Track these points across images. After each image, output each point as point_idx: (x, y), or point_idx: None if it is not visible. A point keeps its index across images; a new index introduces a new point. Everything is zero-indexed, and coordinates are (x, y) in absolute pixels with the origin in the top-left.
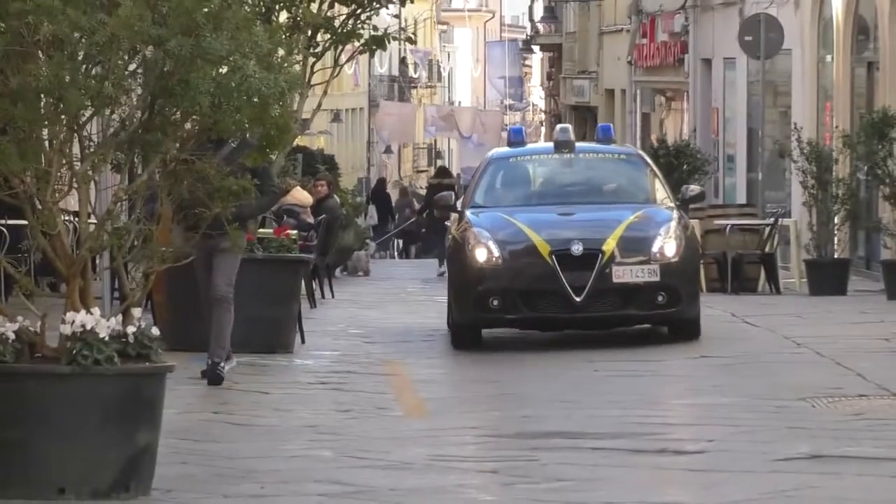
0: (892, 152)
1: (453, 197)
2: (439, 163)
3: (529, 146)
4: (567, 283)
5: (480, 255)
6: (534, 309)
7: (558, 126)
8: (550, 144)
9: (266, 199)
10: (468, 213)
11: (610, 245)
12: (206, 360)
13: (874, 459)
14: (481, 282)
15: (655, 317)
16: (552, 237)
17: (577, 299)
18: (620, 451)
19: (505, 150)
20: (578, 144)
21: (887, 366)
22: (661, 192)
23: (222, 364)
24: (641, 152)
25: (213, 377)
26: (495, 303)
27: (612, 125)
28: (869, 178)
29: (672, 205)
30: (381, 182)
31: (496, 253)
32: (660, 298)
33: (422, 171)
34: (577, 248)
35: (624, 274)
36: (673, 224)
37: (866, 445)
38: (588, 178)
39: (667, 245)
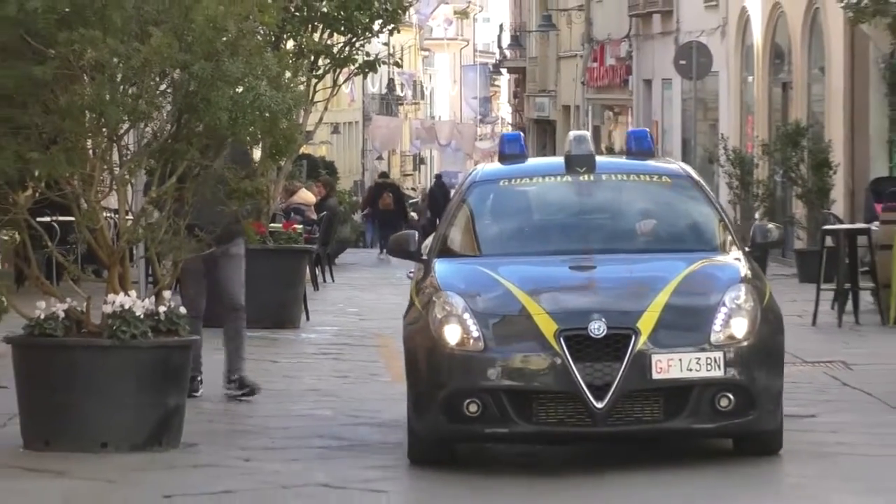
0: (803, 158)
1: (414, 237)
2: (381, 170)
3: (530, 162)
4: (582, 381)
5: (451, 334)
6: (531, 420)
7: (572, 133)
8: (560, 161)
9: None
10: (436, 264)
11: (648, 321)
12: (231, 378)
13: (786, 416)
14: (452, 377)
15: (718, 430)
16: (560, 308)
17: (598, 406)
18: None
19: (494, 168)
20: (601, 160)
21: (800, 338)
22: (721, 232)
23: (244, 373)
24: (691, 170)
25: (251, 388)
26: (472, 409)
27: (648, 131)
28: (784, 180)
29: (739, 253)
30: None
31: (474, 332)
32: (724, 402)
33: (408, 175)
34: (597, 327)
35: (669, 366)
36: (743, 287)
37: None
38: (615, 212)
39: (735, 320)
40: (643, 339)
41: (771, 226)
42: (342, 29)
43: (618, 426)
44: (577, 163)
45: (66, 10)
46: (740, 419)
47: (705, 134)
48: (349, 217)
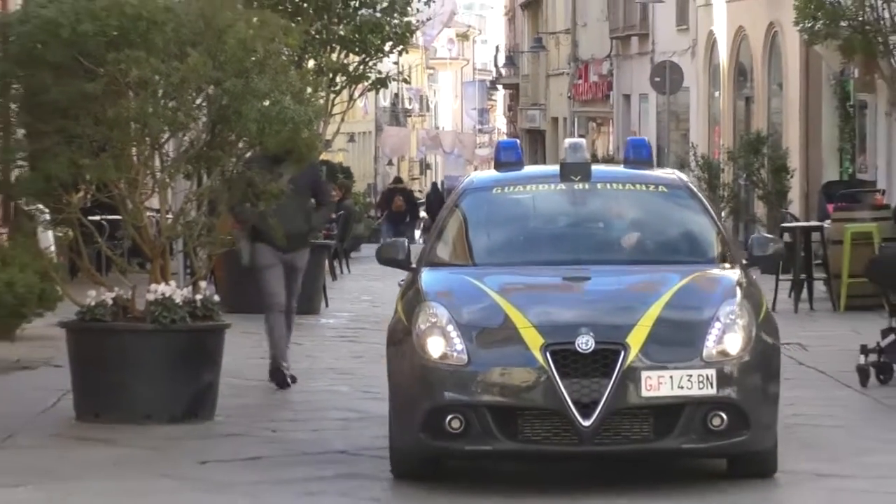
0: (763, 164)
1: (404, 245)
2: (393, 174)
3: (527, 170)
4: (568, 398)
5: (434, 347)
6: (516, 437)
7: (568, 141)
8: (555, 169)
9: (326, 209)
10: (423, 273)
11: (638, 336)
12: (277, 366)
13: None
14: (434, 391)
15: (710, 450)
16: (546, 321)
17: (585, 424)
18: None
19: (487, 175)
20: (597, 169)
21: None
22: (718, 244)
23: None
24: (687, 179)
25: (286, 381)
26: (455, 424)
27: (647, 139)
28: (747, 183)
29: (735, 266)
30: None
31: (457, 345)
32: (716, 422)
33: (415, 178)
34: (585, 342)
35: (660, 383)
36: (738, 300)
37: None
38: (609, 222)
39: (729, 336)
40: (633, 354)
41: (770, 238)
42: (357, 50)
43: (605, 445)
44: (573, 171)
45: (114, 33)
46: (733, 439)
47: (677, 143)
48: (363, 216)
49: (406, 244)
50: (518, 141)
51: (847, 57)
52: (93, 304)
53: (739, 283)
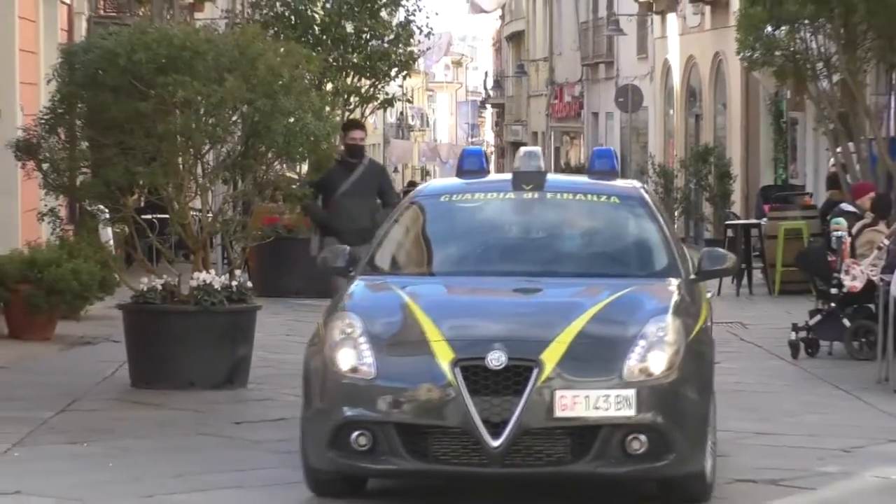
0: (710, 171)
1: (345, 252)
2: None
3: (485, 179)
4: (478, 417)
5: (344, 359)
6: (424, 456)
7: (522, 149)
8: (508, 177)
9: (390, 209)
10: (354, 282)
11: (554, 353)
12: None
13: None
14: (341, 406)
15: (628, 474)
16: (460, 335)
17: (494, 444)
18: None
19: (440, 184)
20: (551, 178)
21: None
22: (665, 257)
23: None
24: (644, 191)
25: None
26: (362, 441)
27: (613, 150)
28: (696, 187)
29: (678, 280)
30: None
31: (367, 358)
32: (635, 445)
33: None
34: (495, 358)
35: (574, 403)
36: (668, 317)
37: None
38: (553, 233)
39: (653, 354)
40: (546, 372)
41: (724, 253)
42: (368, 75)
43: (516, 467)
44: (525, 180)
45: (163, 61)
46: (654, 463)
47: (638, 153)
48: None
49: (347, 251)
50: (483, 149)
51: (780, 81)
52: (145, 289)
53: (677, 298)
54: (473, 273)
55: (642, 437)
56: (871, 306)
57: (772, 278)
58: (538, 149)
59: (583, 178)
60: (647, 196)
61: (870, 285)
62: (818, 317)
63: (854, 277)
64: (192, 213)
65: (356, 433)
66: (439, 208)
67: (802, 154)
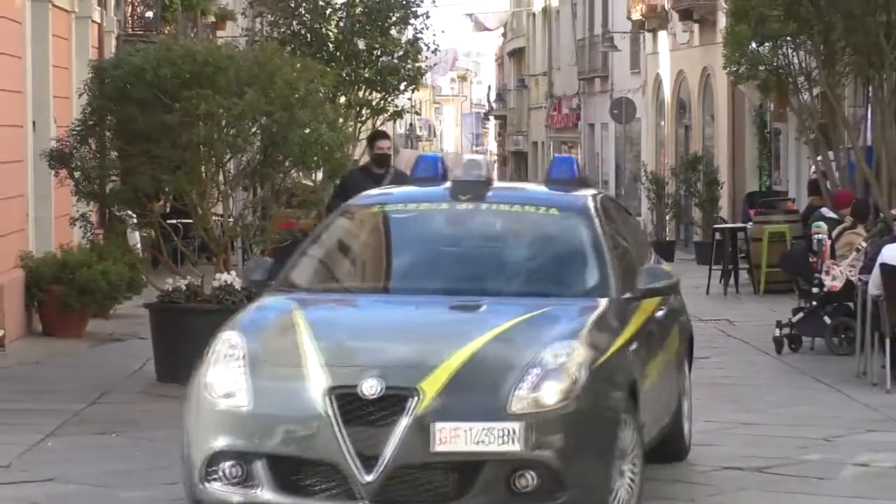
0: (699, 178)
1: (266, 264)
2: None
3: (425, 189)
4: (351, 450)
5: (221, 383)
6: (295, 491)
7: (466, 157)
8: (445, 187)
9: None
10: (263, 297)
11: (436, 381)
12: None
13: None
14: (214, 434)
15: None
16: (340, 361)
17: (367, 479)
18: None
19: (376, 192)
20: (495, 189)
21: (696, 303)
22: (598, 275)
23: None
24: (591, 205)
25: None
26: (234, 473)
27: (575, 158)
28: (686, 193)
29: (603, 301)
30: None
31: (243, 383)
32: (522, 482)
33: None
34: (370, 386)
35: (454, 437)
36: (573, 342)
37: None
38: (482, 248)
39: (547, 384)
40: (425, 402)
41: (664, 270)
42: (378, 88)
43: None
44: (464, 189)
45: (187, 76)
46: (545, 502)
47: (632, 162)
48: None
49: (269, 263)
50: (439, 155)
51: (764, 94)
52: (170, 289)
53: (594, 320)
54: (388, 290)
55: (530, 474)
56: (851, 304)
57: (757, 278)
58: (481, 158)
59: (536, 188)
60: (592, 207)
61: (849, 285)
62: (801, 314)
63: (834, 277)
64: (214, 218)
65: (228, 464)
66: (368, 219)
67: (785, 162)
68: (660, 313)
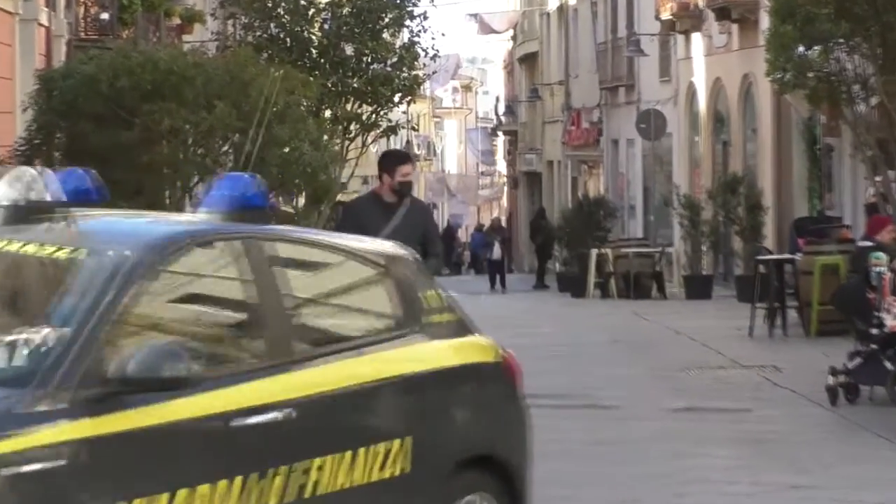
0: (740, 202)
1: None
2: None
3: None
4: None
5: None
6: None
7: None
8: None
9: (432, 260)
10: None
11: None
12: None
13: (728, 410)
14: None
15: None
16: None
17: None
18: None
19: None
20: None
21: (737, 347)
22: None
23: None
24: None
25: None
26: None
27: (257, 176)
28: (725, 220)
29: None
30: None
31: None
32: None
33: None
34: None
35: None
36: None
37: (723, 401)
38: None
39: None
40: None
41: (170, 352)
42: (369, 100)
43: None
44: None
45: (148, 87)
46: None
47: (662, 183)
48: None
49: None
50: (89, 172)
51: (814, 105)
52: None
53: None
54: None
55: None
56: None
57: (808, 318)
58: (31, 172)
59: (184, 216)
60: (144, 258)
61: None
62: (858, 359)
63: None
64: None
65: None
66: None
67: (839, 183)
68: None
